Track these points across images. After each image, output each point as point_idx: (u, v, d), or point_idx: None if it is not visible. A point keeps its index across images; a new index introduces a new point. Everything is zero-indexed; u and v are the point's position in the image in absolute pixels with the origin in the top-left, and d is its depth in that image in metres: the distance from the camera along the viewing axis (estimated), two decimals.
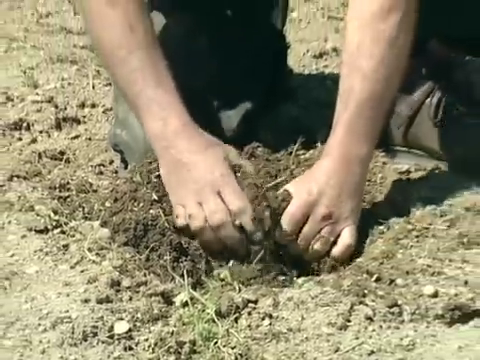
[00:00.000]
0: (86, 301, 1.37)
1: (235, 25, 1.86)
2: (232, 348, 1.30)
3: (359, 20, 1.60)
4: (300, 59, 2.58)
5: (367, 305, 1.35)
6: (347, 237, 1.56)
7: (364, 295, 1.37)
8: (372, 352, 1.27)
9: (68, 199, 1.74)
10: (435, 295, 1.36)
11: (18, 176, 1.81)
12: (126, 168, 1.85)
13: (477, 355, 1.25)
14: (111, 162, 1.96)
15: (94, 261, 1.48)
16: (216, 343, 1.31)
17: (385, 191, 1.73)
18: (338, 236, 1.57)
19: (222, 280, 1.49)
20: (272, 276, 1.52)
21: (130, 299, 1.39)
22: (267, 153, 1.74)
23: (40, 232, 1.58)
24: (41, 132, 2.08)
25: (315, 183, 1.56)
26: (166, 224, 1.55)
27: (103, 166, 1.94)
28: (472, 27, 1.73)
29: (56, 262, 1.49)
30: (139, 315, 1.35)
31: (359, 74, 1.57)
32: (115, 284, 1.41)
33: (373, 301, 1.36)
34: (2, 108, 2.18)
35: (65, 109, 2.19)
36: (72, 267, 1.47)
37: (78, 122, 2.15)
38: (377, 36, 1.57)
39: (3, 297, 1.40)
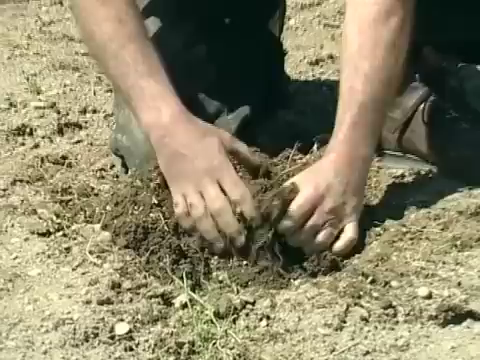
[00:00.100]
0: (87, 303, 1.37)
1: (234, 33, 1.86)
2: (230, 348, 1.30)
3: (359, 24, 1.61)
4: (297, 65, 2.58)
5: (362, 306, 1.36)
6: (351, 231, 1.58)
7: (359, 296, 1.38)
8: (367, 352, 1.28)
9: (70, 203, 1.75)
10: (429, 296, 1.37)
11: (21, 180, 1.82)
12: (127, 172, 1.85)
13: (470, 355, 1.26)
14: (112, 167, 1.95)
15: (95, 263, 1.49)
16: (215, 344, 1.31)
17: (380, 195, 1.74)
18: (341, 231, 1.58)
19: (220, 282, 1.50)
20: (269, 278, 1.51)
21: (130, 301, 1.40)
22: (265, 158, 1.73)
23: (42, 235, 1.59)
24: (44, 137, 2.08)
25: (323, 178, 1.57)
26: (166, 227, 1.55)
27: (104, 170, 1.94)
28: (466, 30, 1.75)
29: (58, 264, 1.50)
30: (139, 316, 1.35)
31: (361, 75, 1.58)
32: (116, 286, 1.42)
33: (368, 302, 1.37)
34: (5, 114, 2.18)
35: (67, 115, 2.19)
36: (74, 269, 1.48)
37: (80, 127, 2.15)
38: (378, 39, 1.59)
39: (6, 299, 1.41)
